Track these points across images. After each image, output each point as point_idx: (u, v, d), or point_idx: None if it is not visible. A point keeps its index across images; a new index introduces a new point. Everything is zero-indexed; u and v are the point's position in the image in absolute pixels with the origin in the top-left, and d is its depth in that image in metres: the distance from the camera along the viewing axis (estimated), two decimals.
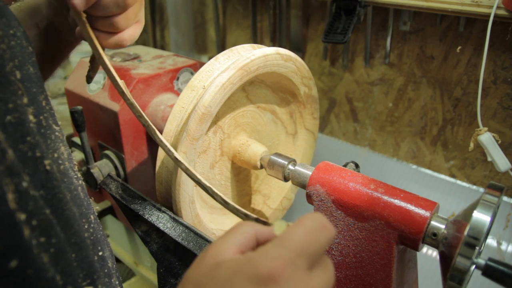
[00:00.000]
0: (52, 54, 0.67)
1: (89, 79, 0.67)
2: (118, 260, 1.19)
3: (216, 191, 0.54)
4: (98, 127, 0.92)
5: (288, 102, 0.85)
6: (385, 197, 0.61)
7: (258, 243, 0.36)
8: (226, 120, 0.75)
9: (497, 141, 0.93)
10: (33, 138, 0.37)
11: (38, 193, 0.37)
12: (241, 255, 0.34)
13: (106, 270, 0.49)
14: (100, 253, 0.48)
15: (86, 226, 0.46)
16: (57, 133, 0.44)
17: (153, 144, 0.94)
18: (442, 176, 1.18)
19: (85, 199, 0.48)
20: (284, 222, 0.38)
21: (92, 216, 0.49)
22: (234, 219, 0.85)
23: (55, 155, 0.42)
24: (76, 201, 0.44)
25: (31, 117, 0.38)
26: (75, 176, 0.47)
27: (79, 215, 0.44)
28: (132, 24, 0.57)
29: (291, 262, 0.31)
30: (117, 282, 0.52)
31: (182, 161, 0.57)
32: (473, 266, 0.50)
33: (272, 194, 0.93)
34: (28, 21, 0.63)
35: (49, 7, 0.62)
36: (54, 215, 0.38)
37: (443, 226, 0.56)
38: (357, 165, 0.73)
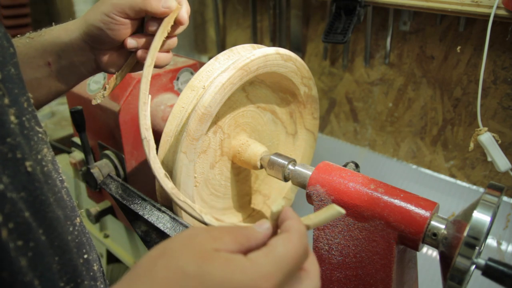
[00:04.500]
0: (58, 89, 0.67)
1: (100, 97, 0.68)
2: (118, 260, 1.18)
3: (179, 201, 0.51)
4: (98, 127, 0.92)
5: (288, 102, 0.85)
6: (385, 197, 0.61)
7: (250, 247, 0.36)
8: (226, 120, 0.75)
9: (497, 141, 0.93)
10: (14, 139, 0.36)
11: (18, 195, 0.36)
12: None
13: (91, 274, 0.48)
14: (85, 256, 0.47)
15: (70, 229, 0.45)
16: (40, 135, 0.43)
17: None
18: (442, 176, 1.18)
19: (69, 202, 0.47)
20: (281, 202, 0.38)
21: (77, 219, 0.48)
22: (234, 220, 0.85)
23: (38, 156, 0.41)
24: (60, 203, 0.43)
25: (12, 118, 0.37)
26: (60, 179, 0.46)
27: (64, 217, 0.43)
28: None
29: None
30: (102, 286, 0.51)
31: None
32: (473, 266, 0.50)
33: (272, 194, 0.93)
34: (37, 59, 0.63)
35: (76, 47, 0.63)
36: (34, 218, 0.37)
37: (443, 226, 0.56)
38: (357, 165, 0.73)
